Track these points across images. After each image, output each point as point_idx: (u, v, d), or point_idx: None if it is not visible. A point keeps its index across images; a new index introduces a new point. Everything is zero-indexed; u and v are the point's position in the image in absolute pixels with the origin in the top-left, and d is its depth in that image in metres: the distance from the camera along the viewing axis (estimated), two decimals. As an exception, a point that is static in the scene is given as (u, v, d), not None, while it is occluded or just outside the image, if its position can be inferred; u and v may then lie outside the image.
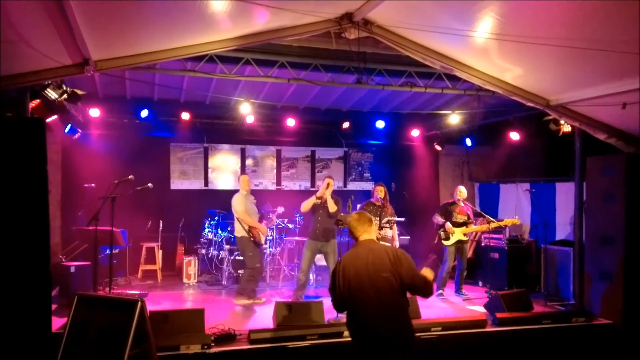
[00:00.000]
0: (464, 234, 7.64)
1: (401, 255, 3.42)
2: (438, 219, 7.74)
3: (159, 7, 4.18)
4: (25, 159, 4.49)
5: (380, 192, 7.35)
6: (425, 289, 3.43)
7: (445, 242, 7.63)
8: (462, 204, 7.73)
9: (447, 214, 7.70)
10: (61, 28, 3.93)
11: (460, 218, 7.66)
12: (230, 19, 4.67)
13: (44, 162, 4.55)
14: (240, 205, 7.18)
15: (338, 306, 3.62)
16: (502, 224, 7.65)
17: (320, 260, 9.82)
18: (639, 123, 5.82)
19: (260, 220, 7.41)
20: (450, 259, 7.59)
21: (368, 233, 3.58)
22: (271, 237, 8.71)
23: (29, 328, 4.34)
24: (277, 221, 8.75)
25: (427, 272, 3.49)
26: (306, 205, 7.10)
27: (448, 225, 7.58)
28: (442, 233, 7.67)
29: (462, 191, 7.77)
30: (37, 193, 4.52)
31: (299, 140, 10.44)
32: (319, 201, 7.07)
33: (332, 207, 6.92)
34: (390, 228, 7.43)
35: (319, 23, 4.99)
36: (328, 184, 7.06)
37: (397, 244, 7.54)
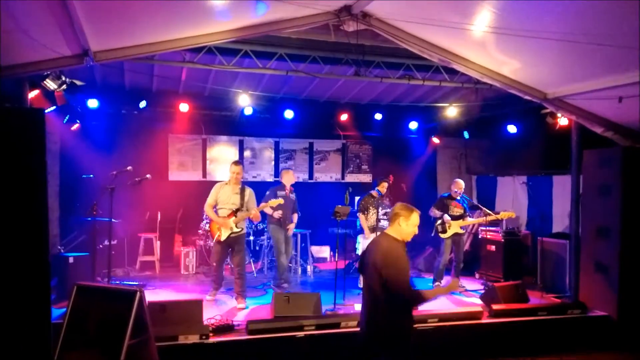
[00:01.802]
0: (460, 227, 7.69)
1: (392, 258, 3.38)
2: (435, 212, 7.79)
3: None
4: (25, 149, 4.48)
5: (382, 187, 7.55)
6: (399, 299, 3.37)
7: (442, 235, 7.68)
8: (459, 197, 7.77)
9: (444, 207, 7.75)
10: (60, 19, 3.93)
11: (457, 211, 7.71)
12: (230, 11, 4.67)
13: (43, 153, 4.55)
14: (210, 196, 6.67)
15: None
16: (498, 217, 7.69)
17: (318, 252, 9.96)
18: (636, 116, 5.85)
19: (234, 213, 6.55)
20: (446, 251, 7.65)
21: (390, 226, 3.62)
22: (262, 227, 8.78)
23: (28, 318, 4.36)
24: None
25: (434, 291, 3.87)
26: (264, 206, 7.05)
27: (447, 217, 7.63)
28: (439, 226, 7.72)
29: (459, 184, 7.81)
30: (36, 184, 4.52)
31: (298, 132, 10.46)
32: (283, 192, 7.41)
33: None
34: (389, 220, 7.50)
35: (318, 15, 5.00)
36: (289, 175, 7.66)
37: None
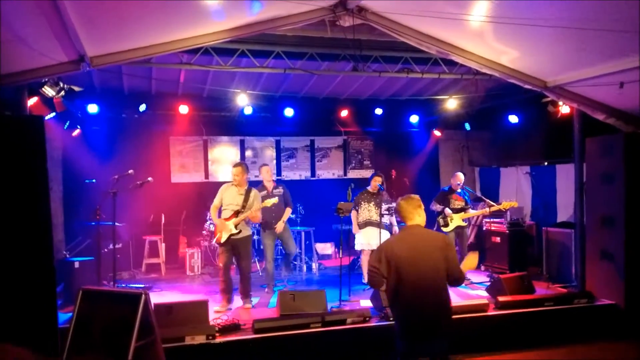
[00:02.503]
0: (463, 220, 7.67)
1: (450, 244, 3.67)
2: (436, 206, 7.77)
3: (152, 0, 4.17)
4: (26, 156, 4.51)
5: (376, 181, 7.47)
6: (459, 281, 3.61)
7: (444, 229, 7.66)
8: (459, 190, 7.75)
9: (445, 201, 7.73)
10: (55, 25, 3.92)
11: (458, 204, 7.70)
12: (224, 10, 4.66)
13: (44, 159, 4.57)
14: (216, 198, 6.52)
15: (375, 283, 3.65)
16: (500, 207, 7.67)
17: (322, 249, 9.96)
18: (638, 102, 5.81)
19: (236, 214, 6.35)
20: (450, 245, 7.62)
21: (419, 218, 3.68)
22: None
23: (35, 324, 4.39)
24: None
25: (469, 262, 3.79)
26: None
27: (448, 211, 7.61)
28: (440, 220, 7.71)
29: (459, 177, 7.80)
30: (39, 190, 4.55)
31: (298, 130, 10.46)
32: (264, 192, 7.22)
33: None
34: (392, 215, 7.51)
35: (313, 12, 4.96)
36: (267, 172, 7.52)
37: (396, 229, 7.60)
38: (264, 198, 6.78)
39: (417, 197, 3.78)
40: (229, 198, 6.42)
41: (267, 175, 7.56)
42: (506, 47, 5.55)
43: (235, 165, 6.52)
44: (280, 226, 7.29)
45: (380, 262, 3.55)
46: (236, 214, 6.32)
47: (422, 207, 3.74)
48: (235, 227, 6.27)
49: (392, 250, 3.55)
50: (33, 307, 4.39)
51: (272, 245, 7.35)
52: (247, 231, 6.46)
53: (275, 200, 6.65)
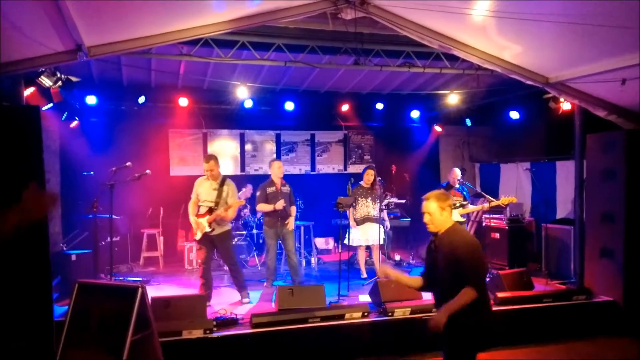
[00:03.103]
0: (461, 215, 7.65)
1: (461, 253, 3.22)
2: None
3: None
4: (22, 147, 4.46)
5: (369, 175, 7.46)
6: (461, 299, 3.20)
7: (443, 225, 7.62)
8: (458, 185, 7.72)
9: None
10: (52, 13, 3.87)
11: (456, 200, 7.67)
12: (225, 1, 4.61)
13: (40, 150, 4.52)
14: (193, 193, 6.30)
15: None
16: (498, 202, 7.64)
17: (323, 244, 9.94)
18: (639, 99, 5.76)
19: (210, 211, 6.10)
20: (448, 240, 7.59)
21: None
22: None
23: (30, 317, 4.36)
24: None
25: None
26: (263, 207, 6.84)
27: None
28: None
29: (455, 173, 7.77)
30: (34, 181, 4.49)
31: (299, 124, 10.41)
32: (273, 188, 6.90)
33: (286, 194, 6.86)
34: (387, 209, 7.51)
35: (315, 4, 4.91)
36: (279, 167, 7.01)
37: (387, 224, 7.63)
38: (272, 195, 6.73)
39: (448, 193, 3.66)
40: (203, 194, 6.19)
41: (279, 171, 7.03)
42: (508, 42, 5.50)
43: (208, 160, 6.17)
44: (291, 223, 6.97)
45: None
46: (210, 210, 6.09)
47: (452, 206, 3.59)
48: (209, 225, 6.06)
49: (430, 252, 3.54)
50: (28, 301, 4.35)
51: (275, 245, 7.03)
52: (223, 227, 6.22)
53: (282, 203, 6.63)
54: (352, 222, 7.45)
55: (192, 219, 6.17)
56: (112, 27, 4.70)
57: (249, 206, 8.93)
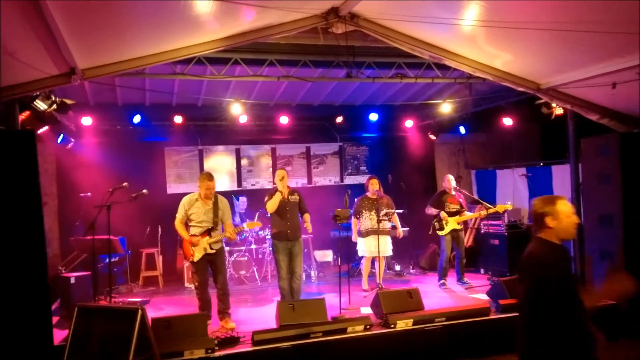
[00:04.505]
0: (458, 223, 7.65)
1: (529, 267, 2.90)
2: (431, 210, 7.76)
3: (142, 10, 4.14)
4: (17, 171, 4.47)
5: (374, 184, 7.39)
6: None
7: (440, 233, 7.64)
8: (454, 192, 7.74)
9: (440, 204, 7.71)
10: (45, 38, 3.89)
11: (453, 207, 7.68)
12: (216, 20, 4.64)
13: (35, 174, 4.53)
14: (178, 212, 6.06)
15: None
16: (495, 209, 7.66)
17: (322, 257, 9.89)
18: (631, 102, 5.81)
19: (208, 232, 5.89)
20: (447, 248, 7.60)
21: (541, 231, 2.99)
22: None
23: (30, 342, 4.32)
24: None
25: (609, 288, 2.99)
26: (272, 203, 6.29)
27: (443, 214, 7.59)
28: (436, 223, 7.68)
29: (449, 179, 7.80)
30: (31, 205, 4.50)
31: (294, 138, 10.43)
32: (280, 195, 6.38)
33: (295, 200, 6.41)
34: (390, 220, 7.48)
35: (306, 19, 4.97)
36: (282, 177, 6.35)
37: (400, 232, 7.62)
38: (280, 205, 6.31)
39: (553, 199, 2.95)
40: (198, 214, 5.91)
41: (283, 181, 6.40)
42: (498, 51, 5.56)
43: (211, 178, 5.89)
44: (309, 226, 6.52)
45: None
46: (208, 232, 5.88)
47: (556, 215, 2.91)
48: (211, 246, 5.87)
49: None
50: (27, 326, 4.32)
51: (287, 260, 6.38)
52: (219, 244, 6.07)
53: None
54: (354, 235, 7.44)
55: (187, 238, 5.92)
56: (105, 49, 4.73)
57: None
